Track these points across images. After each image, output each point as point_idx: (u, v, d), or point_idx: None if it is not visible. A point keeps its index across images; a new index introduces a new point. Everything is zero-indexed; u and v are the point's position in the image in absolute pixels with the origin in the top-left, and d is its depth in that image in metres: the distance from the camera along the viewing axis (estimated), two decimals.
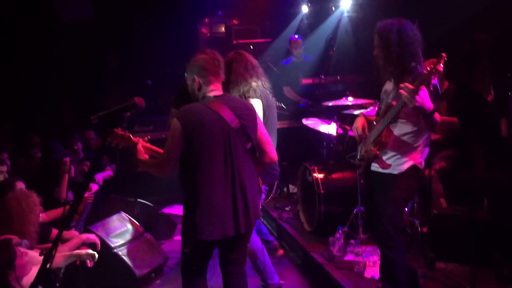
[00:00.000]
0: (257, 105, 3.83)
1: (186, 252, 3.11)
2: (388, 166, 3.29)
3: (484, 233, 3.85)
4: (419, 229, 4.33)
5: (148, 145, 3.37)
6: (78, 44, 8.82)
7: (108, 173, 6.04)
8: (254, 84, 3.92)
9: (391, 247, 3.32)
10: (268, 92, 4.03)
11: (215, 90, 3.15)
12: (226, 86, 3.90)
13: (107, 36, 9.38)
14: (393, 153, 3.28)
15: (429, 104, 2.93)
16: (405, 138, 3.24)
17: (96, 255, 3.41)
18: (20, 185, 4.13)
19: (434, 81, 2.88)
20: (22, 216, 3.40)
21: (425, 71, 2.89)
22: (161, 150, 3.26)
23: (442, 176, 4.58)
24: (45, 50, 8.40)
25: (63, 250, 3.58)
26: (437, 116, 3.04)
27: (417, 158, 3.27)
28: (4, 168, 4.73)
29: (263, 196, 4.03)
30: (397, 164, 3.27)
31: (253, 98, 3.85)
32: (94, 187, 5.33)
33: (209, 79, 3.13)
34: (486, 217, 4.08)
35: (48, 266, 1.99)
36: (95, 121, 2.03)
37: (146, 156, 3.25)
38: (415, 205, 4.42)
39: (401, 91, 2.94)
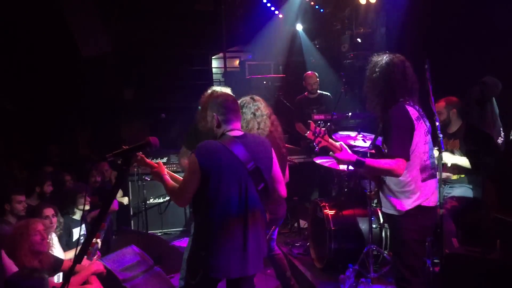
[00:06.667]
0: None
1: (190, 284, 3.11)
2: (388, 206, 3.29)
3: (496, 274, 3.79)
4: (431, 268, 4.27)
5: (169, 172, 3.43)
6: (95, 77, 9.05)
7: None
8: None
9: None
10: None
11: (234, 130, 3.15)
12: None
13: (124, 69, 9.63)
14: (388, 193, 3.26)
15: (348, 157, 3.16)
16: (386, 178, 3.24)
17: None
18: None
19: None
20: (15, 242, 3.53)
21: None
22: (180, 178, 3.33)
23: (454, 216, 4.54)
24: (63, 82, 8.60)
25: (75, 282, 3.64)
26: (370, 163, 3.13)
27: (415, 196, 3.17)
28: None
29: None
30: (397, 204, 3.21)
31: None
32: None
33: (229, 118, 3.14)
34: (499, 258, 4.02)
35: None
36: (110, 158, 2.09)
37: (167, 178, 3.30)
38: (427, 244, 4.36)
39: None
